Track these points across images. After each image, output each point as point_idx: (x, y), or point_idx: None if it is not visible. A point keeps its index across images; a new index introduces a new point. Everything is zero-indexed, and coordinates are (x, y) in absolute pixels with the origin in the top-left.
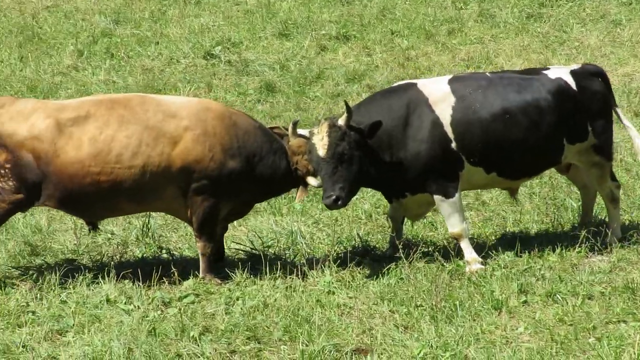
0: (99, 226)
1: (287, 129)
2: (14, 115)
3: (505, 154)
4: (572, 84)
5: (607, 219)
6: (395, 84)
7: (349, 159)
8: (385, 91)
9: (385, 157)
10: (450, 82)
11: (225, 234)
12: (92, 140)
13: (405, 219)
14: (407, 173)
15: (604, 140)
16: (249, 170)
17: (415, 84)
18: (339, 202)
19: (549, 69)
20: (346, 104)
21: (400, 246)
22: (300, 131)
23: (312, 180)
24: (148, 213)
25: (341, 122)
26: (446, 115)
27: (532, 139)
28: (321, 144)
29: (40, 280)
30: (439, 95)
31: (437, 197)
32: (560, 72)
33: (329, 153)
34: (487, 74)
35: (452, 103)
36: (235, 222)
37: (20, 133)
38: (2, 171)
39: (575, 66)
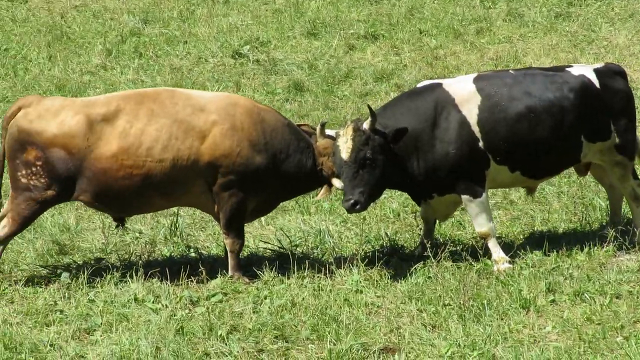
0: (126, 223)
1: (315, 129)
2: (42, 113)
3: (529, 152)
4: (595, 81)
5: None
6: (420, 85)
7: (372, 163)
8: (410, 92)
9: (413, 159)
10: (476, 80)
11: (254, 233)
12: (123, 134)
13: (437, 221)
14: (435, 174)
15: (627, 139)
16: (275, 167)
17: (440, 84)
18: (357, 207)
19: (572, 66)
20: (370, 108)
21: (428, 245)
22: (328, 132)
23: (336, 182)
24: (176, 212)
25: (366, 126)
26: (473, 114)
27: (555, 136)
28: (345, 146)
29: (69, 279)
30: (465, 95)
31: (465, 197)
32: (584, 69)
33: (351, 157)
34: (511, 71)
35: (478, 102)
36: (263, 220)
37: (49, 130)
38: (33, 169)
39: (598, 65)
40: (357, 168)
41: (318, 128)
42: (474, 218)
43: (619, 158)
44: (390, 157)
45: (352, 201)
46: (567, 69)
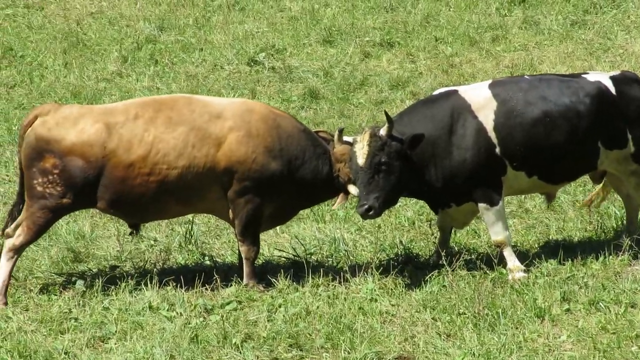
0: (140, 230)
1: (333, 136)
2: (60, 121)
3: (546, 156)
4: (612, 88)
5: None
6: (436, 92)
7: (387, 169)
8: (427, 100)
9: (430, 166)
10: (491, 86)
11: (269, 241)
12: (141, 142)
13: (453, 229)
14: (452, 181)
15: None
16: (291, 173)
17: (456, 91)
18: (371, 212)
19: (588, 73)
20: (386, 113)
21: (443, 254)
22: (346, 138)
23: (352, 189)
24: (191, 219)
25: (383, 132)
26: (489, 120)
27: (571, 141)
28: (361, 152)
29: (83, 287)
30: (481, 101)
31: (481, 205)
32: (600, 76)
33: (367, 162)
34: (527, 76)
35: (494, 108)
36: (278, 229)
37: (68, 138)
38: (50, 177)
39: (614, 72)
40: (372, 174)
41: (336, 134)
42: (490, 226)
43: (634, 167)
44: (407, 164)
45: (366, 206)
46: (583, 75)
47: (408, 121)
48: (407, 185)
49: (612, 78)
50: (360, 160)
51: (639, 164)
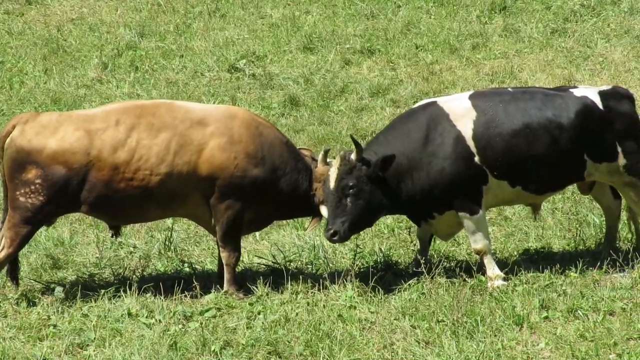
0: (121, 233)
1: (314, 157)
2: (39, 130)
3: (527, 167)
4: (599, 103)
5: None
6: (415, 105)
7: (355, 193)
8: (404, 115)
9: (407, 180)
10: (472, 97)
11: (248, 248)
12: (124, 147)
13: (433, 238)
14: (432, 192)
15: (635, 160)
16: (272, 182)
17: (435, 102)
18: (336, 237)
19: (577, 87)
20: (352, 138)
21: (422, 262)
22: (330, 160)
23: (324, 210)
24: (171, 226)
25: (352, 156)
26: (468, 129)
27: (553, 154)
28: (332, 176)
29: (62, 294)
30: (460, 111)
31: (462, 214)
32: (587, 91)
33: (335, 186)
34: (510, 89)
35: (474, 117)
36: (257, 235)
37: (49, 147)
38: (33, 187)
39: (605, 87)
40: (339, 197)
41: (321, 155)
42: (471, 235)
43: (628, 179)
44: (381, 186)
45: (331, 231)
46: (571, 89)
47: (384, 139)
48: (382, 207)
49: (601, 93)
50: (331, 183)
51: (633, 176)
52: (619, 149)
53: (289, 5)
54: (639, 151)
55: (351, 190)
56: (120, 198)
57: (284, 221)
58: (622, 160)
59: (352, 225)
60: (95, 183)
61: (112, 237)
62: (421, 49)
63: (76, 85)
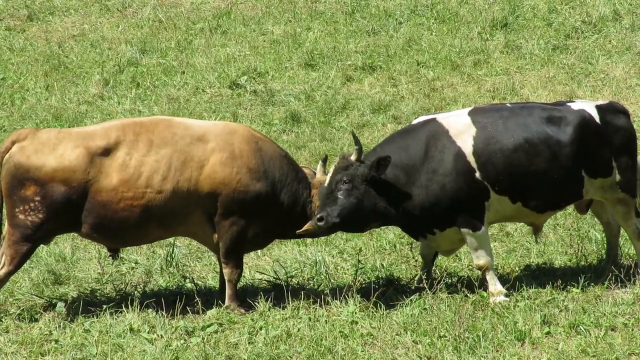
0: (119, 254)
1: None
2: (38, 148)
3: (527, 182)
4: (596, 117)
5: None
6: (414, 121)
7: (348, 188)
8: (403, 130)
9: (405, 195)
10: (471, 113)
11: (250, 264)
12: (123, 165)
13: (436, 256)
14: (432, 208)
15: (628, 177)
16: (275, 195)
17: (434, 119)
18: (322, 222)
19: (574, 101)
20: (354, 135)
21: (424, 277)
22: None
23: None
24: (172, 242)
25: (352, 156)
26: (468, 145)
27: (553, 169)
28: (330, 173)
29: (64, 309)
30: (460, 127)
31: (464, 230)
32: (585, 105)
33: (330, 180)
34: (508, 104)
35: (474, 133)
36: (259, 251)
37: (49, 165)
38: (32, 204)
39: (601, 101)
40: (331, 190)
41: (319, 164)
42: (473, 251)
43: (621, 195)
44: (377, 189)
45: (318, 216)
46: (568, 103)
47: (381, 152)
48: (374, 211)
49: (598, 107)
50: (327, 179)
51: (626, 192)
52: (614, 164)
53: (290, 22)
54: (632, 167)
55: (344, 185)
56: (121, 218)
57: None
58: (616, 176)
59: (340, 217)
60: (94, 202)
61: (110, 257)
62: (422, 66)
63: (77, 102)
